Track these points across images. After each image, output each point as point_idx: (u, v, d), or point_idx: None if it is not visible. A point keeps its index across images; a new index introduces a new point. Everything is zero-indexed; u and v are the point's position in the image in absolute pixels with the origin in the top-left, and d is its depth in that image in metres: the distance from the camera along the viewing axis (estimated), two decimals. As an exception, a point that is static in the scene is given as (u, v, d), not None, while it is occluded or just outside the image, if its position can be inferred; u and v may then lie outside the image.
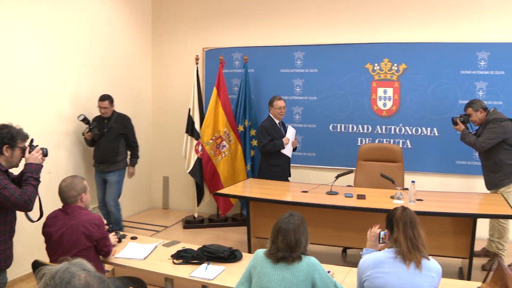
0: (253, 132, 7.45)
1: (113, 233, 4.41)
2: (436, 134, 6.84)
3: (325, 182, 5.93)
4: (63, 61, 6.14)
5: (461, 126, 5.76)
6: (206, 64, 7.97)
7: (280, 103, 6.42)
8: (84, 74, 6.55)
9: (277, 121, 6.49)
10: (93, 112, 6.36)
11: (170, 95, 8.24)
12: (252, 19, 7.69)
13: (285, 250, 2.94)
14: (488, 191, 5.77)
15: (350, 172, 5.88)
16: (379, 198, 5.29)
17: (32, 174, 3.68)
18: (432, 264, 2.95)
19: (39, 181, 3.74)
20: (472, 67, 6.66)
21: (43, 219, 3.88)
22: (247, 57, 7.42)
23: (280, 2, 7.52)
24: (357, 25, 7.14)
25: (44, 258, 3.76)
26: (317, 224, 5.17)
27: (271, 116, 6.51)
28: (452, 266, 5.31)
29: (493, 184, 5.63)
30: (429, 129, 6.87)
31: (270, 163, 6.49)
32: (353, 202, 5.15)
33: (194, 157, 7.24)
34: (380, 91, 7.07)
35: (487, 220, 5.74)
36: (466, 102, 5.86)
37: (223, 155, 7.32)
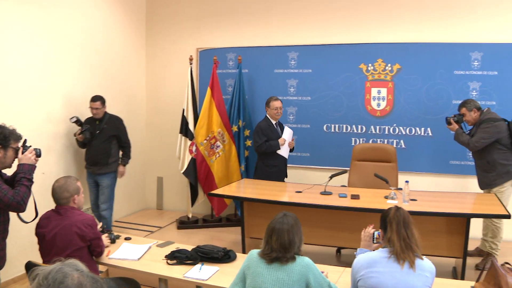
0: (247, 132, 7.45)
1: (106, 234, 4.40)
2: (430, 134, 6.86)
3: (319, 182, 5.94)
4: (57, 61, 6.12)
5: (455, 126, 5.78)
6: (200, 64, 7.96)
7: (276, 104, 6.42)
8: (77, 74, 6.52)
9: (273, 122, 6.49)
10: (87, 113, 6.32)
11: (164, 95, 8.23)
12: (246, 20, 7.69)
13: (279, 251, 2.94)
14: (482, 191, 5.80)
15: (344, 172, 5.88)
16: (373, 198, 5.29)
17: (25, 175, 3.67)
18: (425, 264, 2.95)
19: (32, 182, 3.73)
20: (466, 67, 6.68)
21: (37, 220, 3.86)
22: (241, 57, 7.42)
23: (274, 3, 7.52)
24: (351, 25, 7.15)
25: (38, 259, 3.75)
26: (311, 224, 5.17)
27: (268, 116, 6.51)
28: (446, 265, 5.32)
29: (486, 184, 5.66)
30: (423, 129, 6.89)
31: (266, 164, 6.49)
32: (347, 202, 5.15)
33: (188, 158, 7.23)
34: (374, 91, 7.08)
35: (480, 220, 5.77)
36: (460, 102, 5.88)
37: (217, 155, 7.32)
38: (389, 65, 6.99)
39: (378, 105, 7.07)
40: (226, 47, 7.81)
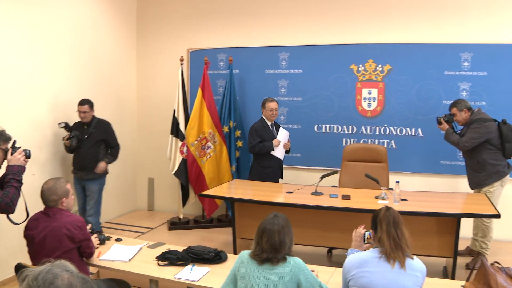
0: (238, 133, 7.45)
1: (95, 235, 4.38)
2: (421, 134, 6.88)
3: (310, 183, 5.94)
4: (46, 62, 6.08)
5: (445, 126, 5.81)
6: (191, 65, 7.95)
7: (271, 105, 6.42)
8: (67, 75, 6.48)
9: (269, 123, 6.50)
10: (75, 116, 6.21)
11: (155, 96, 8.21)
12: (237, 20, 7.68)
13: (270, 251, 2.94)
14: (472, 191, 5.82)
15: (335, 172, 5.89)
16: (364, 199, 5.30)
17: (14, 176, 3.65)
18: (416, 264, 2.96)
19: (21, 183, 3.71)
20: (456, 68, 6.71)
21: (25, 222, 3.84)
22: (232, 58, 7.40)
23: (265, 4, 7.52)
24: (341, 26, 7.16)
25: (27, 261, 3.73)
26: (302, 225, 5.18)
27: (263, 117, 6.52)
28: (436, 265, 5.34)
29: (476, 183, 5.68)
30: (413, 129, 6.91)
31: (261, 165, 6.50)
32: (338, 203, 5.16)
33: (179, 158, 7.21)
34: (364, 92, 7.10)
35: (471, 220, 5.79)
36: (450, 102, 5.91)
37: (208, 156, 7.31)
38: (379, 65, 7.00)
39: (369, 105, 7.09)
40: (217, 48, 7.80)
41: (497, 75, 6.55)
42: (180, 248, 4.22)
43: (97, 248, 4.25)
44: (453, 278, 4.70)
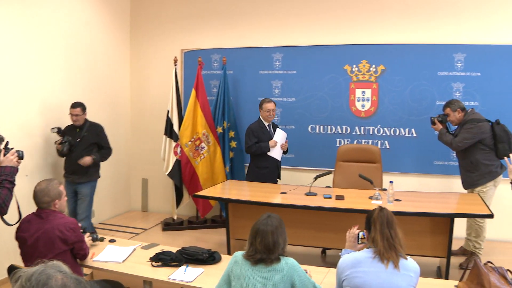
0: (232, 133, 7.44)
1: (87, 234, 4.35)
2: (414, 134, 6.89)
3: (303, 183, 5.94)
4: (38, 64, 6.06)
5: (439, 126, 5.83)
6: (184, 65, 7.94)
7: (269, 106, 6.42)
8: (61, 76, 6.47)
9: (266, 123, 6.50)
10: (68, 119, 6.14)
11: (149, 97, 8.20)
12: (231, 21, 7.68)
13: (263, 252, 2.94)
14: (465, 191, 5.84)
15: (328, 173, 5.89)
16: (357, 199, 5.31)
17: (6, 177, 3.63)
18: (410, 264, 2.97)
19: (14, 184, 3.69)
20: (449, 68, 6.73)
21: (18, 223, 3.82)
22: (226, 58, 7.40)
23: (258, 4, 7.52)
24: (335, 26, 7.17)
25: (21, 262, 3.71)
26: (296, 225, 5.18)
27: (261, 118, 6.52)
28: (430, 265, 5.35)
29: (469, 184, 5.70)
30: (407, 129, 6.92)
31: (257, 165, 6.51)
32: (332, 203, 5.17)
33: (173, 159, 7.20)
34: (358, 92, 7.10)
35: (464, 220, 5.81)
36: (444, 103, 5.93)
37: (202, 156, 7.30)
38: (373, 66, 7.02)
39: (363, 106, 7.10)
40: (210, 48, 7.79)
41: (490, 76, 6.57)
42: (174, 249, 4.22)
43: (90, 248, 4.23)
44: (446, 278, 4.72)
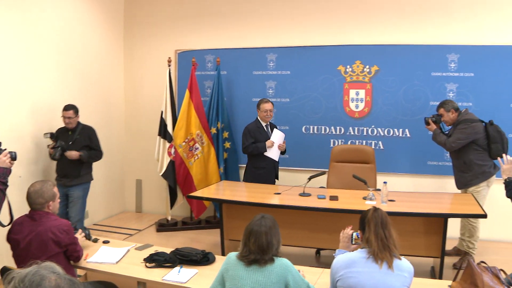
0: (225, 134, 7.44)
1: (80, 231, 4.32)
2: (408, 135, 6.91)
3: (297, 184, 5.94)
4: (31, 64, 6.03)
5: (433, 126, 5.84)
6: (178, 66, 7.93)
7: (266, 106, 6.42)
8: (54, 77, 6.44)
9: (263, 124, 6.50)
10: (61, 120, 6.08)
11: (143, 98, 8.18)
12: (225, 21, 7.67)
13: (257, 253, 2.94)
14: (459, 191, 5.86)
15: (322, 173, 5.90)
16: (351, 199, 5.32)
17: (-1, 178, 3.61)
18: (404, 264, 2.97)
19: (6, 185, 3.67)
20: (443, 69, 6.74)
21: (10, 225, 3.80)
22: (220, 59, 7.39)
23: (252, 5, 7.52)
24: (329, 27, 7.18)
25: (13, 264, 3.70)
26: (290, 226, 5.18)
27: (258, 118, 6.53)
28: (424, 265, 5.36)
29: (463, 184, 5.72)
30: (401, 130, 6.94)
31: (255, 166, 6.51)
32: (326, 204, 5.18)
33: (167, 160, 7.19)
34: (352, 93, 7.12)
35: (458, 220, 5.83)
36: (437, 103, 5.95)
37: (196, 157, 7.29)
38: (367, 66, 7.03)
39: (357, 106, 7.11)
40: (204, 49, 7.78)
41: (483, 76, 6.60)
42: (168, 250, 4.21)
43: (84, 249, 4.22)
44: (440, 278, 4.73)
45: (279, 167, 6.71)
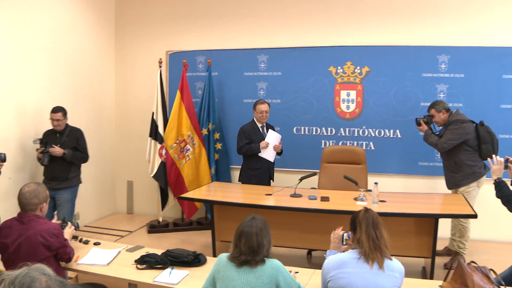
0: (217, 135, 7.44)
1: (69, 225, 4.28)
2: (399, 136, 6.93)
3: (289, 185, 5.93)
4: (20, 66, 6.00)
5: (424, 127, 5.87)
6: (169, 67, 7.92)
7: (262, 107, 6.42)
8: (44, 79, 6.42)
9: (259, 125, 6.50)
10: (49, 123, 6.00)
11: (134, 99, 8.16)
12: (216, 22, 7.67)
13: (248, 254, 2.94)
14: (449, 191, 5.88)
15: (313, 174, 5.89)
16: (342, 200, 5.32)
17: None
18: (395, 264, 2.98)
19: None
20: (433, 70, 6.78)
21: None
22: (211, 60, 7.39)
23: (243, 6, 7.53)
24: (320, 28, 7.19)
25: (3, 267, 3.67)
26: (281, 227, 5.18)
27: (255, 119, 6.53)
28: (415, 265, 5.38)
29: (453, 184, 5.75)
30: (392, 131, 6.96)
31: (249, 167, 6.52)
32: (317, 204, 5.18)
33: (158, 161, 7.18)
34: (343, 94, 7.13)
35: (449, 220, 5.85)
36: (428, 104, 5.99)
37: (187, 158, 7.28)
38: (358, 67, 7.05)
39: (348, 107, 7.12)
40: (195, 50, 7.78)
41: (473, 77, 6.64)
42: (159, 251, 4.20)
43: (73, 244, 4.19)
44: (431, 278, 4.73)
45: (275, 168, 6.71)
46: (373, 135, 7.04)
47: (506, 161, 4.22)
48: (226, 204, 5.50)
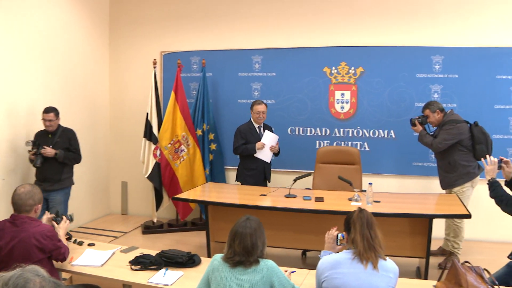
0: (211, 136, 7.43)
1: (64, 219, 4.24)
2: (393, 136, 6.94)
3: (283, 185, 5.94)
4: (14, 66, 5.98)
5: (419, 128, 5.88)
6: (164, 68, 7.91)
7: (259, 108, 6.42)
8: (37, 80, 6.40)
9: (256, 125, 6.50)
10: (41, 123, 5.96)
11: (128, 100, 8.15)
12: (210, 23, 7.67)
13: (242, 254, 2.94)
14: (443, 191, 5.90)
15: (308, 175, 5.90)
16: (337, 201, 5.33)
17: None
18: (389, 265, 2.98)
19: None
20: (427, 70, 6.79)
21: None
22: (205, 60, 7.38)
23: (238, 6, 7.53)
24: (314, 29, 7.20)
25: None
26: (276, 227, 5.18)
27: (252, 120, 6.53)
28: (410, 265, 5.39)
29: (447, 184, 5.77)
30: (386, 131, 6.97)
31: (245, 167, 6.52)
32: (311, 205, 5.18)
33: (152, 162, 7.17)
34: (337, 94, 7.14)
35: (443, 220, 5.87)
36: (422, 104, 6.01)
37: (182, 159, 7.27)
38: (352, 68, 7.05)
39: (342, 108, 7.13)
40: (190, 51, 7.77)
41: (467, 78, 6.66)
42: (153, 252, 4.19)
43: (67, 239, 4.17)
44: (426, 278, 4.74)
45: (272, 169, 6.71)
46: (367, 135, 7.05)
47: (500, 161, 4.23)
48: (221, 204, 5.50)
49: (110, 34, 8.20)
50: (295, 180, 5.64)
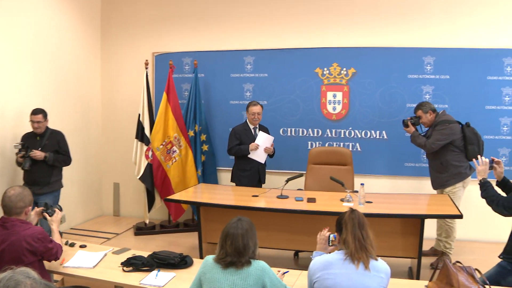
0: (203, 137, 7.42)
1: (57, 212, 4.22)
2: (385, 137, 6.96)
3: (275, 186, 5.94)
4: (6, 68, 5.96)
5: (412, 128, 5.89)
6: (156, 69, 7.90)
7: (254, 109, 6.42)
8: (28, 81, 6.37)
9: (251, 126, 6.50)
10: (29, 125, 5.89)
11: (120, 100, 8.13)
12: (202, 24, 7.66)
13: (234, 255, 2.93)
14: (435, 191, 5.92)
15: (300, 175, 5.89)
16: (329, 201, 5.33)
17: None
18: (380, 265, 2.98)
19: None
20: (419, 71, 6.81)
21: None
22: (197, 61, 7.38)
23: (230, 7, 7.52)
24: (306, 30, 7.21)
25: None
26: (268, 228, 5.18)
27: (247, 121, 6.53)
28: (402, 266, 5.40)
29: (439, 184, 5.79)
30: (378, 132, 6.99)
31: (239, 168, 6.54)
32: (304, 206, 5.18)
33: (144, 163, 7.16)
34: (329, 95, 7.15)
35: (434, 220, 5.89)
36: (414, 105, 6.03)
37: (174, 160, 7.26)
38: (344, 69, 7.07)
39: (334, 108, 7.14)
40: (182, 52, 7.76)
41: (459, 79, 6.69)
42: (145, 254, 4.18)
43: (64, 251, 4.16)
44: (418, 278, 4.76)
45: (267, 170, 6.70)
46: (359, 136, 7.06)
47: (491, 161, 4.25)
48: (213, 205, 5.49)
49: (101, 35, 8.18)
50: (287, 181, 5.63)
